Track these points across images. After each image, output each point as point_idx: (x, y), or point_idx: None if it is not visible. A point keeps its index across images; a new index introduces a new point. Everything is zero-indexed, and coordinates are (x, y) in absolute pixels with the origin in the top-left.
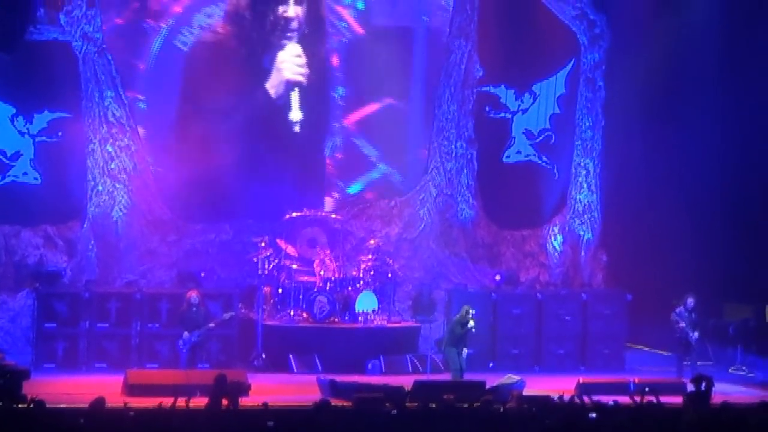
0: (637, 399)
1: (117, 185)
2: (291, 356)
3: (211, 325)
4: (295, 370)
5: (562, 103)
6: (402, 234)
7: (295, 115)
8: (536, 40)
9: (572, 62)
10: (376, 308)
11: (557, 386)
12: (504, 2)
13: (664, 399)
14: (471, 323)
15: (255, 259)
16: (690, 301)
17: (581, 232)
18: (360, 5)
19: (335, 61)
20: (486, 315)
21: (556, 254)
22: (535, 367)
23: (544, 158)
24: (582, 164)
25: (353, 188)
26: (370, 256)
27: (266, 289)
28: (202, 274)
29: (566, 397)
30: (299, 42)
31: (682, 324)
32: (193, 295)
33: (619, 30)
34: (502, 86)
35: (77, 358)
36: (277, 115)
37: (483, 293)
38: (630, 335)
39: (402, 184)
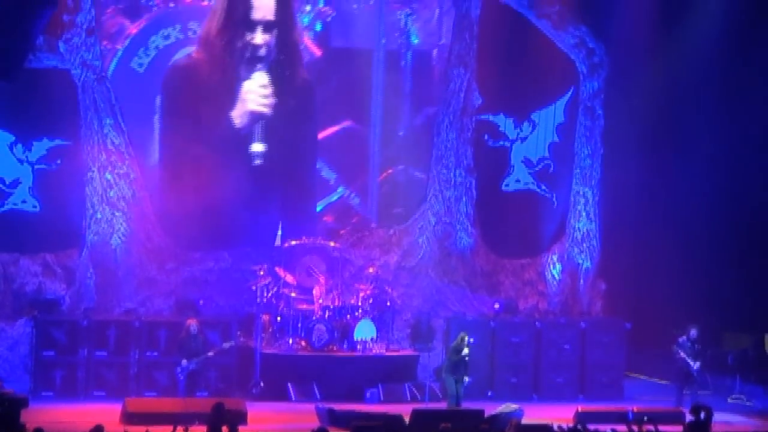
0: (636, 428)
1: (116, 213)
2: (289, 384)
3: (210, 353)
4: (294, 399)
5: (561, 131)
6: (401, 262)
7: (257, 147)
8: (535, 68)
9: (571, 91)
10: (375, 336)
11: (556, 415)
12: (503, 31)
13: (663, 428)
14: (465, 350)
15: (254, 287)
16: (693, 331)
17: (580, 261)
18: (318, 27)
19: None
20: (485, 343)
21: (554, 283)
22: (533, 396)
23: (543, 187)
24: (581, 193)
25: None
26: (368, 285)
27: (265, 317)
28: (201, 302)
29: (565, 426)
30: (272, 68)
31: (683, 354)
32: (192, 323)
33: (618, 59)
34: (501, 115)
35: (76, 386)
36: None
37: (482, 321)
38: (629, 364)
39: (360, 207)
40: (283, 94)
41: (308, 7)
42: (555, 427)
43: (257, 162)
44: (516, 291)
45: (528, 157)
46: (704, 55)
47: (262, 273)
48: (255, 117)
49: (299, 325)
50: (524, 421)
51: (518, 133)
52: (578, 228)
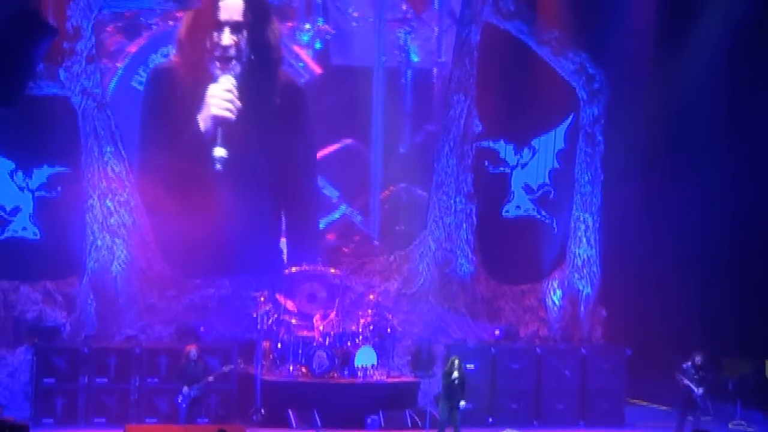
0: None
1: (116, 240)
2: (290, 411)
3: (210, 378)
4: (295, 426)
5: (562, 157)
6: (401, 289)
7: (219, 151)
8: (535, 94)
9: (571, 117)
10: (376, 363)
11: None
12: (503, 57)
13: None
14: (455, 374)
15: (254, 314)
16: (698, 358)
17: (580, 287)
18: (318, 45)
19: None
20: (485, 370)
21: (555, 309)
22: (534, 422)
23: (544, 213)
24: (581, 219)
25: None
26: (369, 311)
27: (265, 343)
28: (201, 329)
29: None
30: (245, 70)
31: (686, 381)
32: (192, 349)
33: (618, 85)
34: (501, 141)
35: (76, 413)
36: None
37: (482, 348)
38: (629, 390)
39: (362, 224)
40: (259, 96)
41: (308, 26)
42: None
43: (217, 167)
44: (516, 317)
45: (528, 184)
46: (704, 81)
47: (262, 300)
48: (217, 121)
49: (300, 351)
50: None
51: (518, 160)
52: (579, 254)
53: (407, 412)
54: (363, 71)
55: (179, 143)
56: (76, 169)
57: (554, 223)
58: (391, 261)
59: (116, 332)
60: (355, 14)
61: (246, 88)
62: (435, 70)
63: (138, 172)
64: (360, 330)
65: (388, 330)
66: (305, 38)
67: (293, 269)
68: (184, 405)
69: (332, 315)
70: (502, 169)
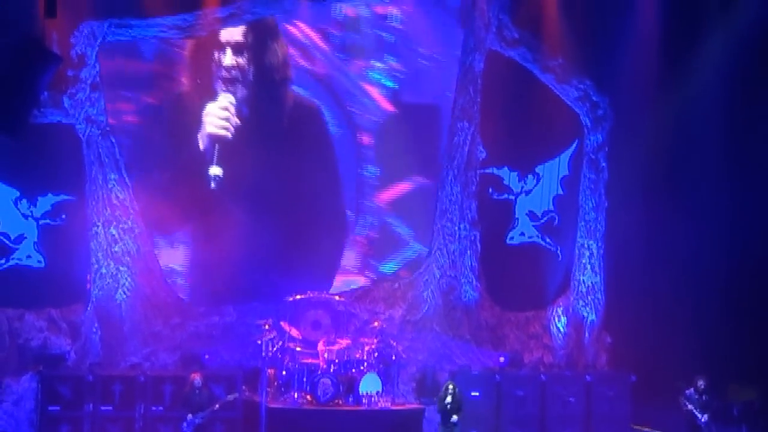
0: None
1: (121, 268)
2: None
3: (216, 406)
4: None
5: (566, 184)
6: (406, 316)
7: (214, 170)
8: (539, 121)
9: (575, 144)
10: (380, 390)
11: None
12: (507, 84)
13: None
14: (448, 399)
15: (259, 342)
16: (701, 382)
17: (585, 314)
18: (388, 83)
19: (365, 139)
20: (490, 397)
21: (560, 336)
22: None
23: (548, 240)
24: (585, 245)
25: (387, 267)
26: (374, 339)
27: (270, 371)
28: (206, 357)
29: None
30: (250, 90)
31: (690, 406)
32: (197, 377)
33: (622, 111)
34: (506, 168)
35: None
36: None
37: (487, 375)
38: (634, 417)
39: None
40: (265, 117)
41: (378, 64)
42: None
43: (212, 185)
44: (521, 344)
45: (532, 210)
46: (706, 108)
47: (267, 327)
48: (213, 139)
49: (305, 379)
50: None
51: (522, 186)
52: (583, 281)
53: None
54: (432, 108)
55: (179, 163)
56: (81, 197)
57: (558, 250)
58: (395, 288)
59: (121, 360)
60: (423, 51)
61: (251, 109)
62: None
63: (142, 195)
64: (365, 357)
65: (393, 357)
66: (376, 76)
67: (297, 296)
68: None
69: (337, 342)
70: (506, 195)
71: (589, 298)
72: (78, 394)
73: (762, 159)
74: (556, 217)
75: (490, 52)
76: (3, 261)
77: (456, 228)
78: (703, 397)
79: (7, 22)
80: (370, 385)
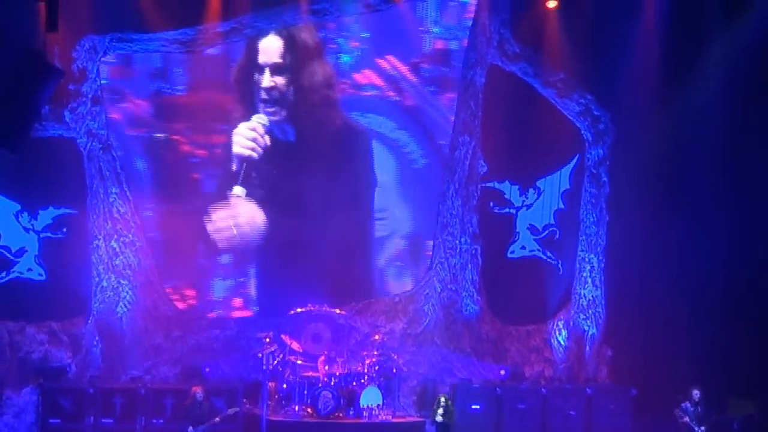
0: None
1: (122, 281)
2: None
3: (216, 420)
4: None
5: (567, 198)
6: (406, 329)
7: (237, 190)
8: (540, 136)
9: (577, 158)
10: (381, 403)
11: None
12: (508, 98)
13: None
14: (440, 411)
15: (259, 355)
16: (696, 393)
17: (586, 328)
18: None
19: None
20: (491, 410)
21: (560, 349)
22: None
23: (549, 254)
24: (586, 259)
25: None
26: (374, 352)
27: (271, 384)
28: (207, 370)
29: None
30: (290, 112)
31: (686, 419)
32: (197, 390)
33: (624, 126)
34: (507, 182)
35: None
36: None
37: (488, 388)
38: (635, 430)
39: None
40: (304, 138)
41: None
42: None
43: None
44: (522, 357)
45: (533, 224)
46: (709, 122)
47: (267, 340)
48: (241, 159)
49: (305, 392)
50: None
51: (523, 200)
52: (584, 295)
53: None
54: None
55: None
56: (82, 211)
57: (559, 264)
58: (396, 302)
59: (122, 373)
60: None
61: (291, 130)
62: None
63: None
64: (365, 370)
65: (394, 370)
66: None
67: (298, 309)
68: None
69: (337, 356)
70: (507, 209)
71: (590, 311)
72: (79, 407)
73: (763, 174)
74: (557, 231)
75: (492, 67)
76: (4, 274)
77: (457, 242)
78: (699, 409)
79: (9, 36)
80: (370, 398)
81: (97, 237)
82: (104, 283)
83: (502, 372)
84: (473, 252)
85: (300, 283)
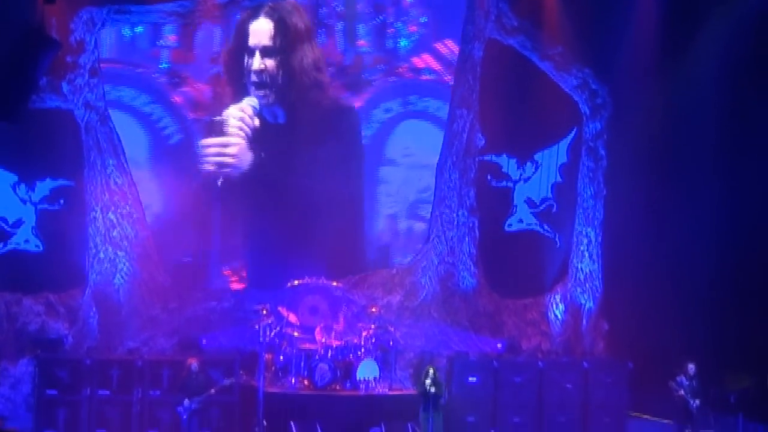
0: None
1: (119, 253)
2: (292, 423)
3: (212, 391)
4: None
5: (564, 172)
6: (403, 302)
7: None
8: (538, 109)
9: (574, 131)
10: (378, 376)
11: None
12: (506, 72)
13: None
14: (428, 382)
15: (256, 327)
16: (691, 367)
17: (582, 301)
18: None
19: None
20: (487, 383)
21: (557, 323)
22: None
23: (546, 227)
24: (583, 233)
25: None
26: (371, 324)
27: (267, 356)
28: (204, 342)
29: None
30: (279, 94)
31: (681, 392)
32: (193, 362)
33: (621, 99)
34: (504, 155)
35: (78, 425)
36: (274, 177)
37: (484, 361)
38: (631, 404)
39: None
40: (295, 120)
41: None
42: None
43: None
44: (519, 331)
45: (531, 198)
46: (706, 96)
47: (264, 312)
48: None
49: (302, 364)
50: None
51: (521, 174)
52: (581, 268)
53: (409, 424)
54: None
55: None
56: (79, 182)
57: (557, 237)
58: (393, 274)
59: (118, 344)
60: None
61: (281, 112)
62: None
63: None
64: (362, 343)
65: (391, 343)
66: None
67: (295, 282)
68: (185, 417)
69: (335, 327)
70: (504, 183)
71: (587, 285)
72: (75, 378)
73: (761, 148)
74: (555, 205)
75: (490, 41)
76: (1, 245)
77: (454, 215)
78: (693, 383)
79: (7, 8)
80: (367, 370)
81: (94, 209)
82: (101, 255)
83: (499, 345)
84: (470, 225)
85: (297, 256)
